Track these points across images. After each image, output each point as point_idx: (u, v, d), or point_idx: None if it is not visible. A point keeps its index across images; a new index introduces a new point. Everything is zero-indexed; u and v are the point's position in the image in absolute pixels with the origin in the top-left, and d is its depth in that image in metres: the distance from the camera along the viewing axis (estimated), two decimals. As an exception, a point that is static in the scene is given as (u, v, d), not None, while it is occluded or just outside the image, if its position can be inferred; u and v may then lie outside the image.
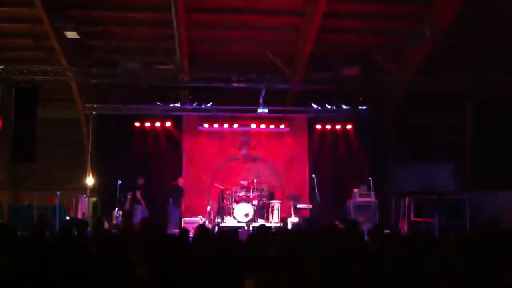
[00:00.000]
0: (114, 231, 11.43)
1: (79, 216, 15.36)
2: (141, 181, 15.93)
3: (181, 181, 16.46)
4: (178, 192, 16.11)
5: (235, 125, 17.58)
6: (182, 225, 14.62)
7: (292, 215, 15.71)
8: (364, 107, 16.60)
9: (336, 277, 4.38)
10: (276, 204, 15.99)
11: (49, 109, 15.72)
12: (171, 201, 15.83)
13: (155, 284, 4.64)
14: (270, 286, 3.19)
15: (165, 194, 16.19)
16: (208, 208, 15.84)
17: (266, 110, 15.49)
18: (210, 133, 17.74)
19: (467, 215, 12.83)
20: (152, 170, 17.12)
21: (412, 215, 15.62)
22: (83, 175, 16.43)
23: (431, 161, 16.73)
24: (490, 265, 4.76)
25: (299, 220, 15.01)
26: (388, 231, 8.99)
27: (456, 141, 16.35)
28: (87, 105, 16.40)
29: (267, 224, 12.41)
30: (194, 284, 4.70)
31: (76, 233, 8.28)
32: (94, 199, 16.41)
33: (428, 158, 16.65)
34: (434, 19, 13.42)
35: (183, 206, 16.29)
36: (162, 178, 16.88)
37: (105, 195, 16.50)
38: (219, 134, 17.74)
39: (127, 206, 15.43)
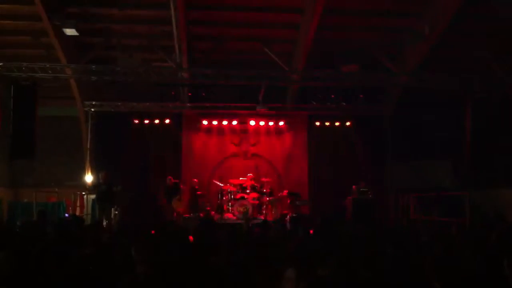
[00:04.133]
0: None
1: (78, 213, 15.32)
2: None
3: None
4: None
5: (234, 122, 17.60)
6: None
7: (291, 212, 15.72)
8: (363, 105, 16.61)
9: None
10: (275, 201, 15.98)
11: (48, 107, 15.65)
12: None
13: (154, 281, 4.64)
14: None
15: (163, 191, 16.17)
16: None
17: (265, 107, 15.49)
18: (209, 130, 17.75)
19: (467, 213, 12.81)
20: (151, 167, 17.12)
21: (411, 212, 15.62)
22: (82, 172, 16.42)
23: (430, 158, 16.69)
24: (490, 262, 4.76)
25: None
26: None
27: (455, 139, 16.35)
28: (86, 102, 16.40)
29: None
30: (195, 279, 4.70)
31: (73, 230, 8.28)
32: (93, 196, 16.35)
33: (427, 155, 16.61)
34: (434, 17, 13.40)
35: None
36: (161, 175, 16.83)
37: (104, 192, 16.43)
38: (218, 131, 17.74)
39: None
